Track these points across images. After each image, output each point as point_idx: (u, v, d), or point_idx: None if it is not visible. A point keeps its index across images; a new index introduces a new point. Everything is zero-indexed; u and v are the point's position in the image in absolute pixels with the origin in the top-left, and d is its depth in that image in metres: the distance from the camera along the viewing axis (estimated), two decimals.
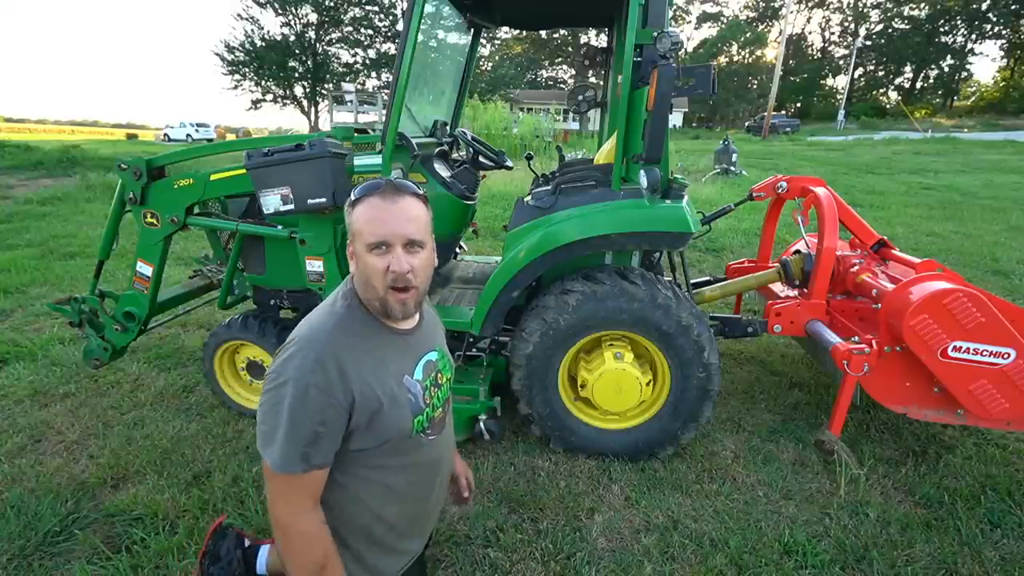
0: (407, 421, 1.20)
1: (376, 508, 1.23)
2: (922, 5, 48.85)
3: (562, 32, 43.21)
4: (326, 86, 36.11)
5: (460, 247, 3.63)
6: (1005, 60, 50.60)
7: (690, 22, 59.37)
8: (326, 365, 1.07)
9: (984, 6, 45.44)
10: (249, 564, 1.87)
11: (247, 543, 1.88)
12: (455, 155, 3.52)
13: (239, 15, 34.45)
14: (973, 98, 53.69)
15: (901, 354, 2.39)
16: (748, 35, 53.44)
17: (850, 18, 55.67)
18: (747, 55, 54.78)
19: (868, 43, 51.77)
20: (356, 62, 38.04)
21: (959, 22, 48.08)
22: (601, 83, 3.93)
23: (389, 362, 1.19)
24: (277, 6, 34.12)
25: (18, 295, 4.64)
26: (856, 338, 2.55)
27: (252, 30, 34.51)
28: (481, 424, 2.54)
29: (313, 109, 37.58)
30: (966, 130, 30.85)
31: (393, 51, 35.40)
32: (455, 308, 2.77)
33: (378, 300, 1.15)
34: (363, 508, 1.22)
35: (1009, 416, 2.32)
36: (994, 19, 46.04)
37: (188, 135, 37.67)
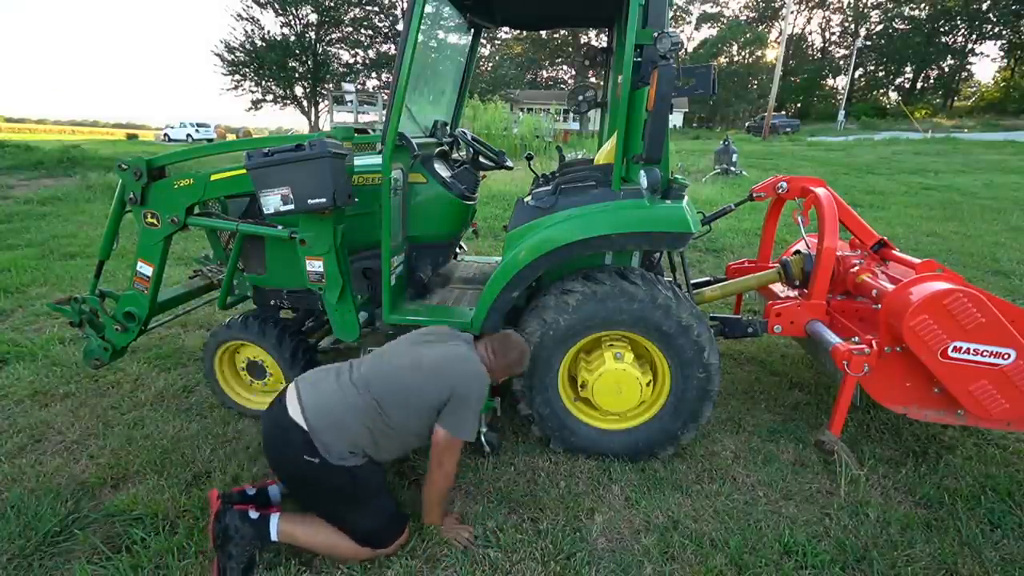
0: None
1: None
2: (922, 5, 48.81)
3: (562, 32, 43.21)
4: (326, 86, 36.07)
5: (460, 247, 3.63)
6: (1005, 60, 50.53)
7: (690, 22, 59.42)
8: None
9: (984, 6, 45.39)
10: (262, 533, 1.91)
11: (254, 515, 1.93)
12: (455, 155, 3.52)
13: (239, 15, 34.32)
14: (973, 98, 53.61)
15: (901, 354, 2.39)
16: (748, 35, 53.41)
17: (850, 18, 55.65)
18: (747, 55, 54.73)
19: (868, 43, 51.68)
20: (356, 62, 38.02)
21: (959, 22, 48.02)
22: (601, 83, 3.92)
23: None
24: (277, 6, 34.06)
25: (18, 295, 4.64)
26: (856, 338, 2.55)
27: (252, 30, 34.47)
28: (483, 437, 2.55)
29: (313, 109, 37.55)
30: (966, 130, 30.81)
31: (393, 51, 35.39)
32: (455, 308, 2.76)
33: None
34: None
35: (1009, 416, 2.32)
36: (994, 19, 45.95)
37: (188, 135, 37.66)
